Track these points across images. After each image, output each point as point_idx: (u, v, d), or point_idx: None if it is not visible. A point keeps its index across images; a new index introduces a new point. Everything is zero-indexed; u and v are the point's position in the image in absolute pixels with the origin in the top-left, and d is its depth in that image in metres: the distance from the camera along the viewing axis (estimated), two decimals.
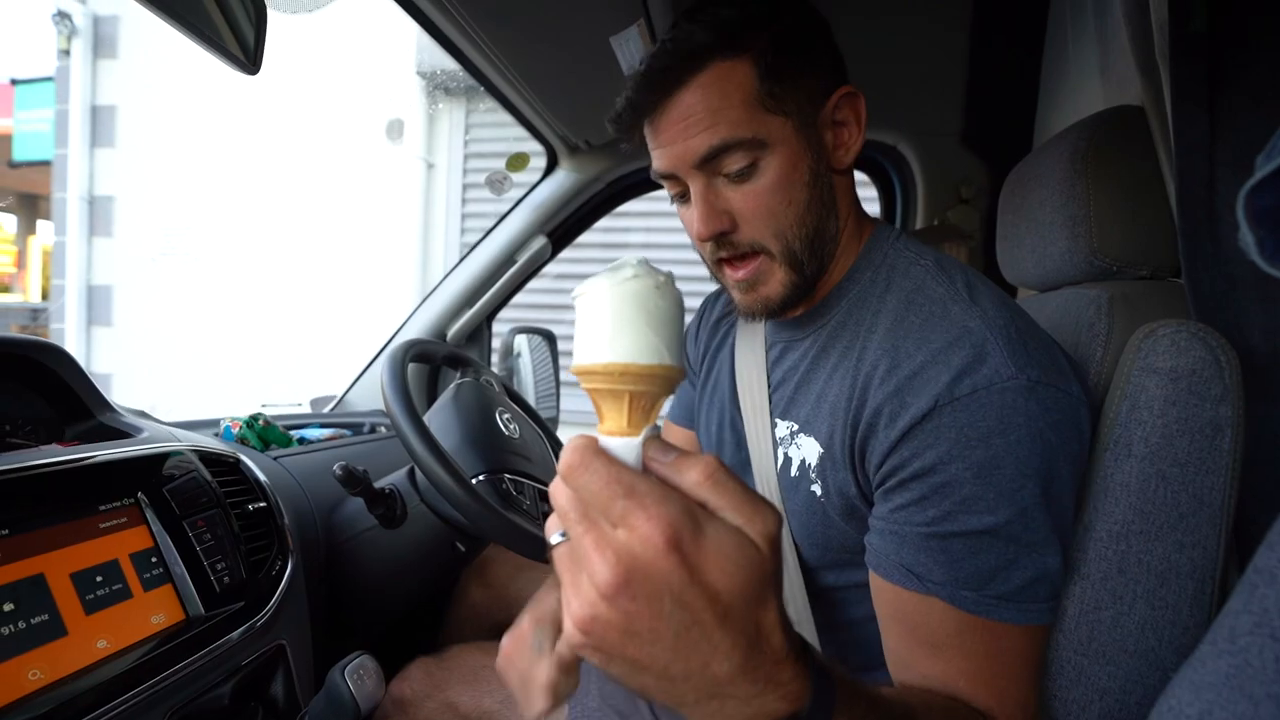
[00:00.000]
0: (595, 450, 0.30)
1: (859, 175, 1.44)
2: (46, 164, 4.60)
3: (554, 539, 0.32)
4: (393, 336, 1.47)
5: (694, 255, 0.66)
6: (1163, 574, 0.51)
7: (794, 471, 0.62)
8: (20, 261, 5.92)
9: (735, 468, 0.74)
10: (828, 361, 0.61)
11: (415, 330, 1.45)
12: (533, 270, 1.43)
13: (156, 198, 3.96)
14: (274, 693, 0.70)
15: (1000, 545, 0.48)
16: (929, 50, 1.24)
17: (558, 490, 0.31)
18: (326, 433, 1.12)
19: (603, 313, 0.32)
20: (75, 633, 0.54)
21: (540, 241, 1.40)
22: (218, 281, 3.83)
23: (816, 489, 0.60)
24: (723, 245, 0.61)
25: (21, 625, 0.51)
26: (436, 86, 3.61)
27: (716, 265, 0.63)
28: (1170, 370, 0.51)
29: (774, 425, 0.66)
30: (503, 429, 0.96)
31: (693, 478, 0.30)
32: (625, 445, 0.32)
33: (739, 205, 0.58)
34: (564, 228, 1.43)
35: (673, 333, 0.33)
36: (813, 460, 0.60)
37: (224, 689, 0.63)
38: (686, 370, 0.36)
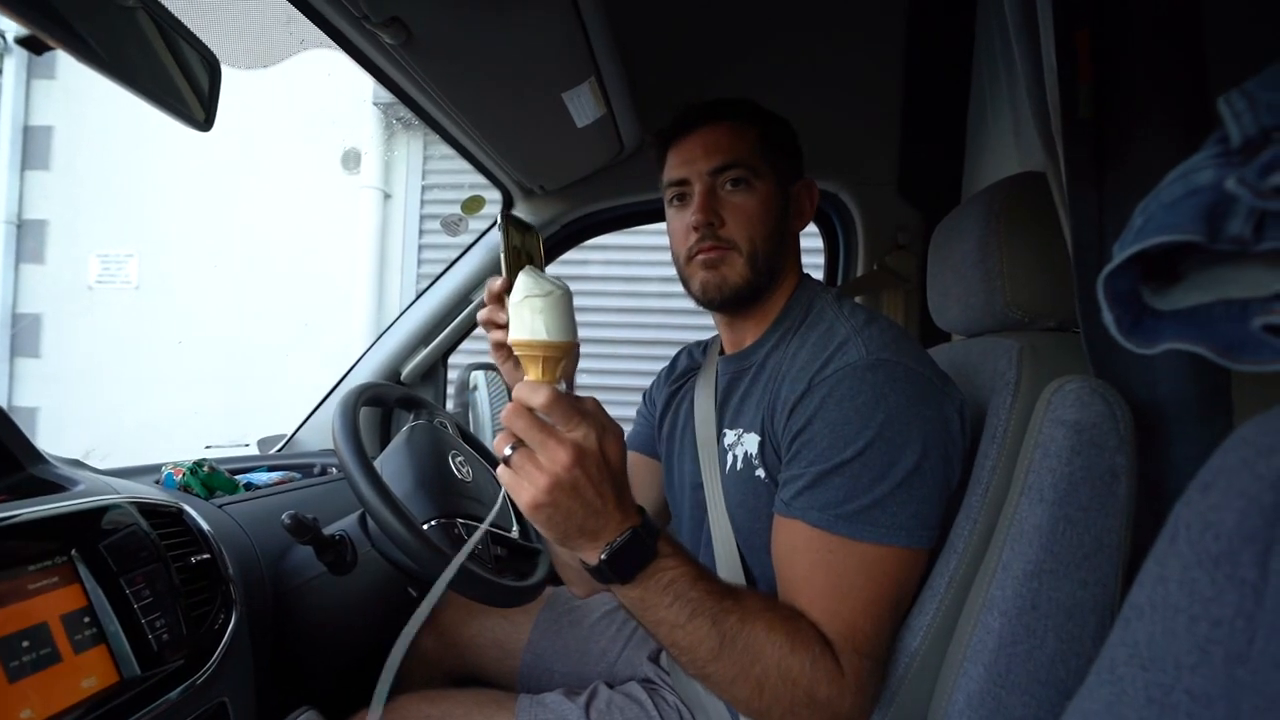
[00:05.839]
0: (523, 407, 0.53)
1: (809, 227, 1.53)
2: None
3: (505, 451, 0.55)
4: (346, 374, 1.45)
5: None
6: (1070, 609, 0.55)
7: (739, 466, 0.75)
8: None
9: (697, 500, 0.82)
10: (762, 376, 0.77)
11: (370, 367, 1.43)
12: None
13: (94, 223, 3.81)
14: None
15: (844, 479, 0.62)
16: (866, 105, 1.32)
17: (509, 422, 0.54)
18: (275, 476, 1.10)
19: (522, 312, 0.54)
20: None
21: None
22: (160, 312, 3.68)
23: (760, 473, 0.73)
24: (706, 235, 0.77)
25: None
26: (394, 117, 3.61)
27: (689, 258, 0.80)
28: (1075, 423, 0.56)
29: (723, 436, 0.80)
30: (455, 472, 0.96)
31: (588, 406, 0.55)
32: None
33: (728, 208, 0.78)
34: None
35: (566, 322, 0.54)
36: (754, 450, 0.73)
37: None
38: (577, 345, 0.58)
